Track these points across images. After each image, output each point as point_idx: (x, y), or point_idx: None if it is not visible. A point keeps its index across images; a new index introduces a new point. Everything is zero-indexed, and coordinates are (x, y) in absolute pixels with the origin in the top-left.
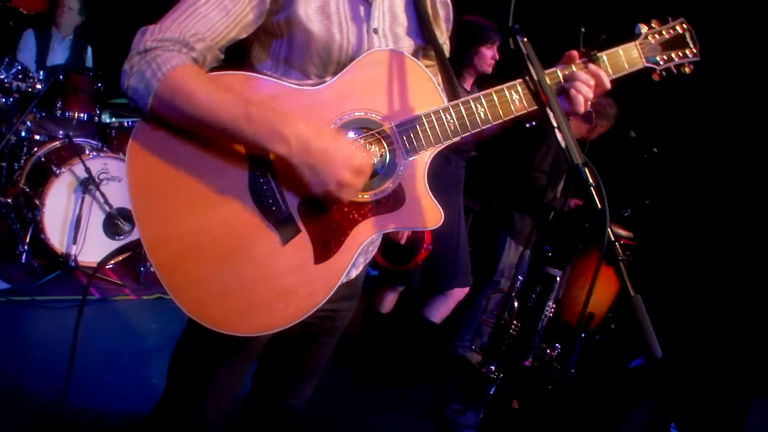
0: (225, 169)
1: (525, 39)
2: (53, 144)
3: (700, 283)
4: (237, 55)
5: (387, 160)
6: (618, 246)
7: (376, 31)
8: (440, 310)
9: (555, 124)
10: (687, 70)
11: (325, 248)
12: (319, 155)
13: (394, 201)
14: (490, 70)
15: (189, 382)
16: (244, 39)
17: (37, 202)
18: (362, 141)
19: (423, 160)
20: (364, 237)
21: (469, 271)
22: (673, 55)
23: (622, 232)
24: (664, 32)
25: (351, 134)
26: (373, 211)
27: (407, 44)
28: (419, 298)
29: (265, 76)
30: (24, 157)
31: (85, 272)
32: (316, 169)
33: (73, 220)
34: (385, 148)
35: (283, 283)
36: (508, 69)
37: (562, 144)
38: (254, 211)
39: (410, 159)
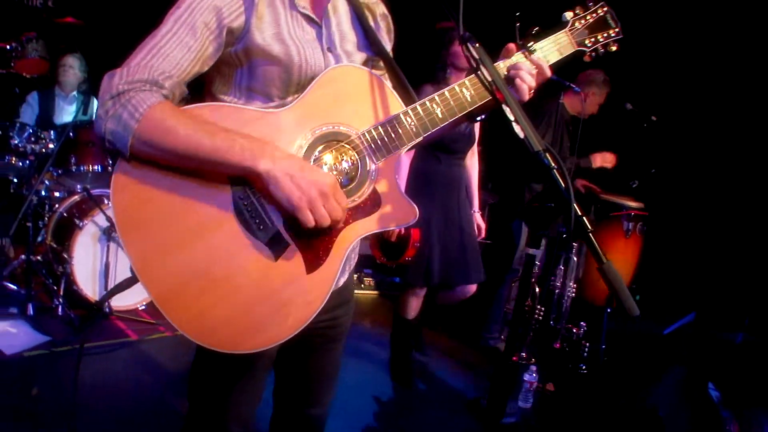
0: (208, 197)
1: (477, 44)
2: (73, 198)
3: (722, 242)
4: (196, 87)
5: (359, 167)
6: (586, 220)
7: (329, 49)
8: (410, 305)
9: (512, 118)
10: (613, 47)
11: (314, 258)
12: (302, 167)
13: (372, 204)
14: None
15: (208, 403)
16: (203, 72)
17: (66, 256)
18: (334, 152)
19: (392, 162)
20: (350, 242)
21: (479, 268)
22: (599, 37)
23: (632, 204)
24: (588, 17)
25: (320, 147)
26: (354, 217)
27: (359, 58)
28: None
29: (232, 104)
30: (47, 215)
31: (119, 316)
32: (296, 179)
33: (101, 268)
34: (355, 155)
35: (281, 296)
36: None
37: (521, 135)
38: (243, 233)
39: (380, 163)
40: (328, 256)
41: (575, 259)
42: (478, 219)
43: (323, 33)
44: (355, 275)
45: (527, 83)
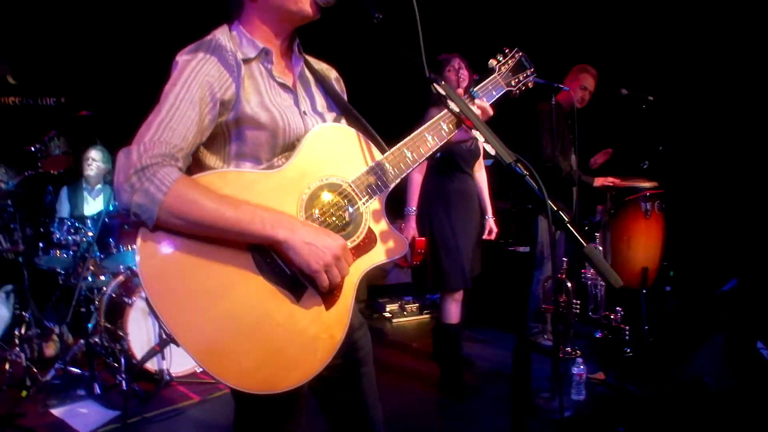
0: (229, 255)
1: (442, 82)
2: (118, 279)
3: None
4: None
5: (354, 211)
6: (564, 213)
7: (305, 113)
8: (453, 311)
9: (483, 139)
10: (530, 84)
11: (330, 295)
12: (316, 234)
13: (369, 241)
14: (463, 87)
15: None
16: None
17: (121, 333)
18: (331, 201)
19: (380, 202)
20: (357, 276)
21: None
22: (520, 77)
23: (646, 184)
24: (509, 62)
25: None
26: (356, 255)
27: (329, 117)
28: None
29: (233, 170)
30: (97, 299)
31: (179, 381)
32: (312, 246)
33: (156, 339)
34: (349, 201)
35: (307, 334)
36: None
37: (492, 152)
38: (264, 283)
39: (369, 205)
40: (341, 291)
41: (600, 248)
42: (491, 224)
43: (299, 99)
44: (397, 304)
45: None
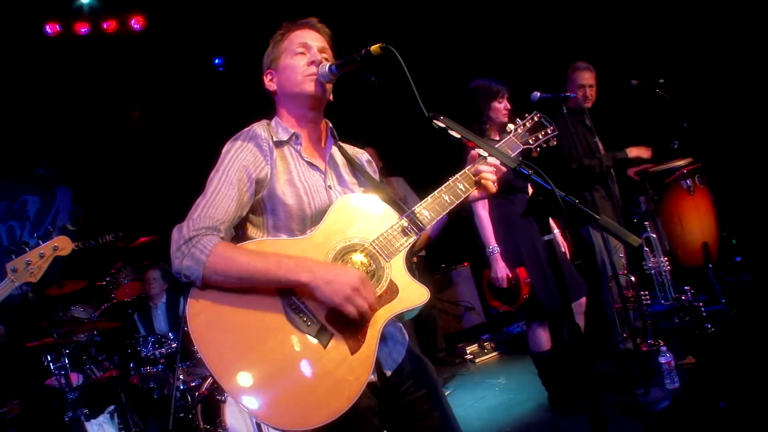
0: (263, 309)
1: (441, 117)
2: (208, 380)
3: None
4: None
5: (376, 266)
6: (570, 199)
7: (330, 187)
8: (542, 338)
9: (487, 154)
10: (553, 142)
11: (354, 342)
12: (335, 278)
13: (391, 292)
14: (506, 119)
15: None
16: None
17: (221, 431)
18: (354, 259)
19: (400, 258)
20: (381, 324)
21: (580, 280)
22: (539, 135)
23: (681, 162)
24: (527, 123)
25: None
26: (379, 304)
27: (359, 191)
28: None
29: (269, 238)
30: (192, 404)
31: None
32: (332, 283)
33: (255, 428)
34: (371, 258)
35: (335, 376)
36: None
37: (497, 162)
38: (295, 331)
39: (390, 261)
40: (365, 338)
41: (654, 235)
42: (560, 239)
43: (327, 177)
44: (475, 345)
45: (489, 179)
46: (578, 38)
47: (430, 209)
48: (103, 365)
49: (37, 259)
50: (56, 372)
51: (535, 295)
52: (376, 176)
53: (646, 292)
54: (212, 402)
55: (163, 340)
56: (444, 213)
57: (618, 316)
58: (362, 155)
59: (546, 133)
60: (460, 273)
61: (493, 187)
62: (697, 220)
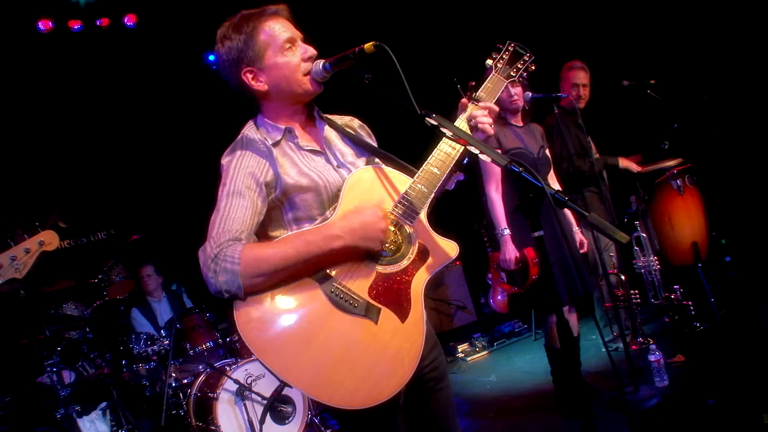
0: (307, 301)
1: (434, 115)
2: (200, 378)
3: None
4: None
5: (403, 233)
6: (560, 196)
7: (338, 166)
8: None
9: (478, 151)
10: (532, 67)
11: (401, 310)
12: (358, 224)
13: (423, 255)
14: (519, 104)
15: None
16: None
17: (213, 428)
18: None
19: (423, 219)
20: (421, 286)
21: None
22: (518, 65)
23: (671, 163)
24: (504, 56)
25: None
26: (415, 268)
27: (362, 162)
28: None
29: (292, 232)
30: (184, 401)
31: None
32: (363, 234)
33: (247, 427)
34: (396, 227)
35: (392, 347)
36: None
37: (488, 160)
38: (343, 315)
39: (414, 224)
40: (410, 304)
41: (644, 235)
42: (581, 236)
43: (329, 157)
44: (467, 343)
45: (486, 122)
46: (568, 39)
47: (437, 166)
48: (95, 362)
49: (22, 255)
50: (48, 369)
51: (563, 280)
52: (372, 139)
53: (636, 291)
54: (204, 399)
55: (156, 337)
56: (452, 163)
57: (608, 315)
58: (352, 121)
59: (524, 61)
60: (452, 272)
61: (490, 129)
62: (687, 220)
